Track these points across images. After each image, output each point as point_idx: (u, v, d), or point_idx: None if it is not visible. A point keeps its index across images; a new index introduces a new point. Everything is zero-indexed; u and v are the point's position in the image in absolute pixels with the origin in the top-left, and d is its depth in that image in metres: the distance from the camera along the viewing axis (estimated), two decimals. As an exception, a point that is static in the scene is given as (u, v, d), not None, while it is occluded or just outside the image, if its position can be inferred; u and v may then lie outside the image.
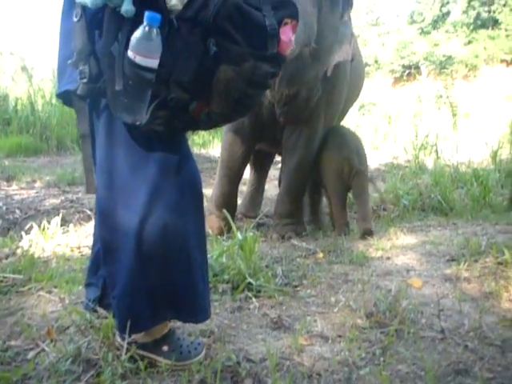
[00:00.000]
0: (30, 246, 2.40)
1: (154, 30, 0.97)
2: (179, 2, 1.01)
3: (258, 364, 1.23)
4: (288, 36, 1.09)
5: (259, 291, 1.78)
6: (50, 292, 1.71)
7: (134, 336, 1.18)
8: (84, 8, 1.04)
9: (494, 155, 6.25)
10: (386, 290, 1.80)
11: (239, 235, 2.17)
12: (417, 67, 23.30)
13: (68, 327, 1.38)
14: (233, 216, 3.33)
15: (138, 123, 1.02)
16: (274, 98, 2.80)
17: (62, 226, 2.91)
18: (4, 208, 3.85)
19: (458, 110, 6.99)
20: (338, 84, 3.04)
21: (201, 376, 1.14)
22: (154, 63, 0.98)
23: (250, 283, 1.78)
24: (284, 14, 1.08)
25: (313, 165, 3.12)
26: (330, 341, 1.38)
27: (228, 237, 2.65)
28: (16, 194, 4.49)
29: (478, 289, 1.82)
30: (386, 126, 9.09)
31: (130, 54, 0.98)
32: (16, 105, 8.50)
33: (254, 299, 1.67)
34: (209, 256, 1.99)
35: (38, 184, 5.04)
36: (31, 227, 3.21)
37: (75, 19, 1.05)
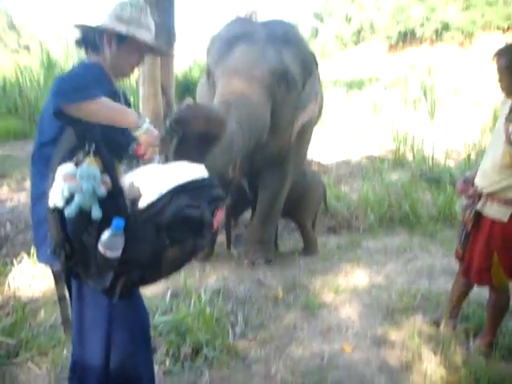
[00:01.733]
0: (19, 290, 2.72)
1: (119, 233, 1.26)
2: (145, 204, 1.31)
3: None
4: (219, 218, 1.44)
5: (214, 358, 2.13)
6: (38, 363, 2.05)
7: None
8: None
9: (468, 158, 6.51)
10: (319, 359, 2.16)
11: (203, 296, 2.51)
12: (413, 33, 22.92)
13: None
14: (214, 238, 3.57)
15: (102, 288, 1.32)
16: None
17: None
18: (-4, 220, 4.14)
19: (433, 108, 7.08)
20: (306, 133, 3.28)
21: None
22: (118, 254, 1.27)
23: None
24: (216, 205, 1.41)
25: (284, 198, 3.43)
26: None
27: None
28: (7, 200, 4.76)
29: (397, 357, 2.18)
30: (371, 114, 9.25)
31: (100, 248, 1.26)
32: (4, 85, 8.42)
33: (207, 373, 2.02)
34: (172, 317, 2.34)
35: (27, 183, 5.29)
36: (23, 243, 3.53)
37: (50, 209, 1.30)
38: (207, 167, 2.12)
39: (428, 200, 5.09)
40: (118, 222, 1.25)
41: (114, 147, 1.40)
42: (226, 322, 2.46)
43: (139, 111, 4.99)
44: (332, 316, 2.59)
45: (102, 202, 1.28)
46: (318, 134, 8.16)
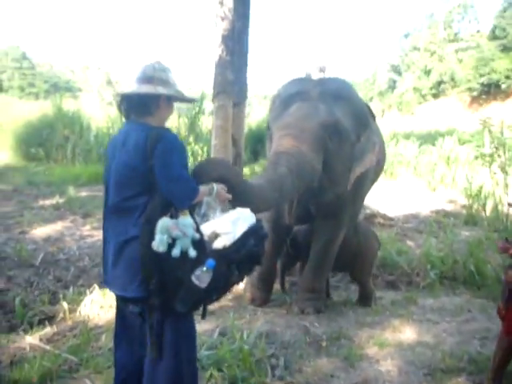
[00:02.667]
0: (88, 317, 3.06)
1: (210, 270, 1.65)
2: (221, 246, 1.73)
3: None
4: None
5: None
6: (94, 381, 2.31)
7: None
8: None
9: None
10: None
11: (245, 336, 2.66)
12: (497, 86, 22.04)
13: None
14: (271, 286, 3.71)
15: (187, 309, 1.73)
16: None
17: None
18: (77, 253, 4.63)
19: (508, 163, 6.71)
20: (363, 184, 3.37)
21: None
22: (206, 284, 1.65)
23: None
24: (265, 241, 1.90)
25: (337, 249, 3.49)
26: None
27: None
28: (88, 236, 5.30)
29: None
30: (444, 169, 9.01)
31: (194, 280, 1.64)
32: (97, 135, 9.42)
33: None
34: (215, 353, 2.51)
35: (108, 222, 5.84)
36: (97, 276, 3.92)
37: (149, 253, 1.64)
38: (260, 202, 2.42)
39: (498, 260, 4.83)
40: (210, 263, 1.65)
41: None
42: (266, 363, 2.57)
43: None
44: (371, 369, 2.59)
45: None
46: (388, 186, 8.13)
